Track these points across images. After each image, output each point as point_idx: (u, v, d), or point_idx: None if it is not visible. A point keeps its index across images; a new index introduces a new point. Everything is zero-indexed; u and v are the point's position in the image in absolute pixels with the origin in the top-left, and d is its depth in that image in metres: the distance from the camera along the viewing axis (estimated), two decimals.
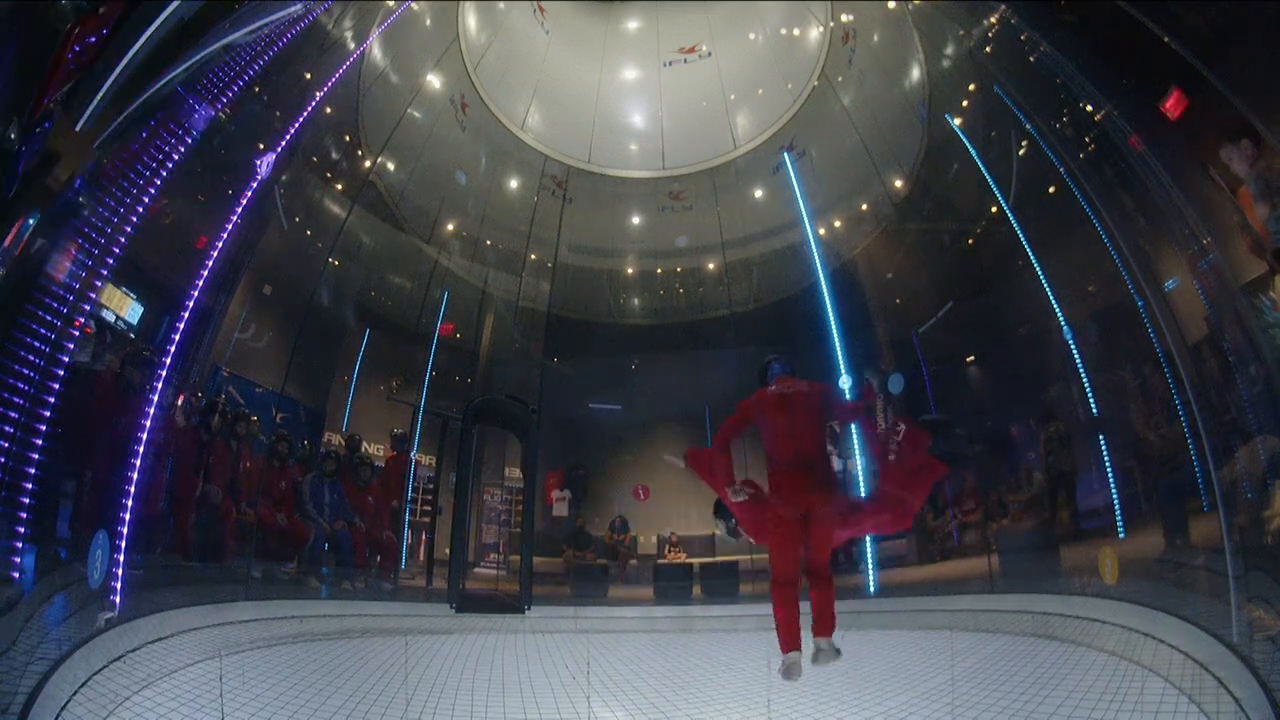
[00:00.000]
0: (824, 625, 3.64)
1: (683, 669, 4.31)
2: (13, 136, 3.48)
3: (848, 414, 4.35)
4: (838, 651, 3.57)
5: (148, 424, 5.08)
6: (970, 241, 8.42)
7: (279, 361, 7.83)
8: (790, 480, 3.69)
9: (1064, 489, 6.74)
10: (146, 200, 4.81)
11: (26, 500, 3.77)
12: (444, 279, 10.06)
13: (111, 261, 4.62)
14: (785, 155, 9.99)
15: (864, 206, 9.85)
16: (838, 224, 10.06)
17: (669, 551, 9.75)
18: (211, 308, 6.30)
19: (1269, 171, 3.82)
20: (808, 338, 9.10)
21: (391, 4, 8.35)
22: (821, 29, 9.54)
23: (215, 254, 5.92)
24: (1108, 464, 6.18)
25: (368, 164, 9.03)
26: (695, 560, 9.63)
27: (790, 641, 3.61)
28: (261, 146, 6.57)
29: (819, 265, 9.20)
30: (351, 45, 7.95)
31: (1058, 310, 6.67)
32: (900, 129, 9.11)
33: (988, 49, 7.23)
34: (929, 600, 7.20)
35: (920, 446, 3.59)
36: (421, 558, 8.96)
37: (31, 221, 3.89)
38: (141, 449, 4.96)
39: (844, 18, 9.25)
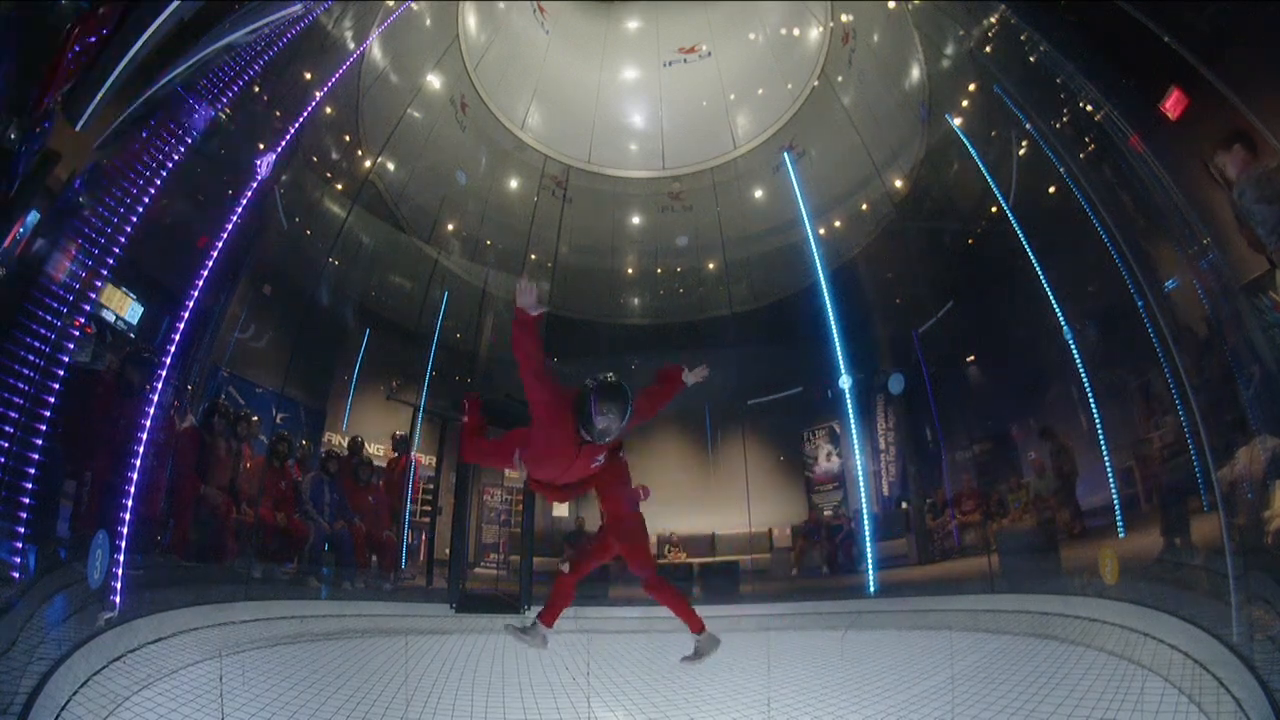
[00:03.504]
0: (693, 623, 4.19)
1: (683, 669, 4.31)
2: (13, 136, 3.48)
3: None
4: (717, 640, 4.12)
5: (148, 424, 5.07)
6: (970, 241, 8.42)
7: (279, 361, 7.83)
8: (616, 526, 4.19)
9: (1064, 489, 6.75)
10: (146, 200, 4.81)
11: (26, 500, 3.77)
12: (444, 279, 10.06)
13: (111, 261, 4.62)
14: (785, 155, 9.99)
15: (864, 206, 9.85)
16: (838, 224, 10.06)
17: (669, 551, 9.75)
18: (211, 308, 6.30)
19: (1263, 178, 3.82)
20: (808, 338, 9.11)
21: (391, 4, 8.35)
22: (821, 29, 9.54)
23: (215, 254, 5.91)
24: (1108, 464, 6.18)
25: (368, 164, 9.03)
26: (695, 560, 9.63)
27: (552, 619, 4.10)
28: (261, 146, 6.57)
29: (819, 265, 9.20)
30: (351, 45, 7.95)
31: (1058, 310, 6.67)
32: (900, 129, 9.11)
33: (988, 49, 7.23)
34: (929, 600, 7.19)
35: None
36: (422, 558, 8.96)
37: (31, 221, 3.89)
38: (141, 449, 4.96)
39: (844, 18, 9.25)
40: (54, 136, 3.84)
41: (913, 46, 8.55)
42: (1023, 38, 6.34)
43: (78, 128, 4.01)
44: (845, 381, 8.72)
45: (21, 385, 3.86)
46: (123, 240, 4.65)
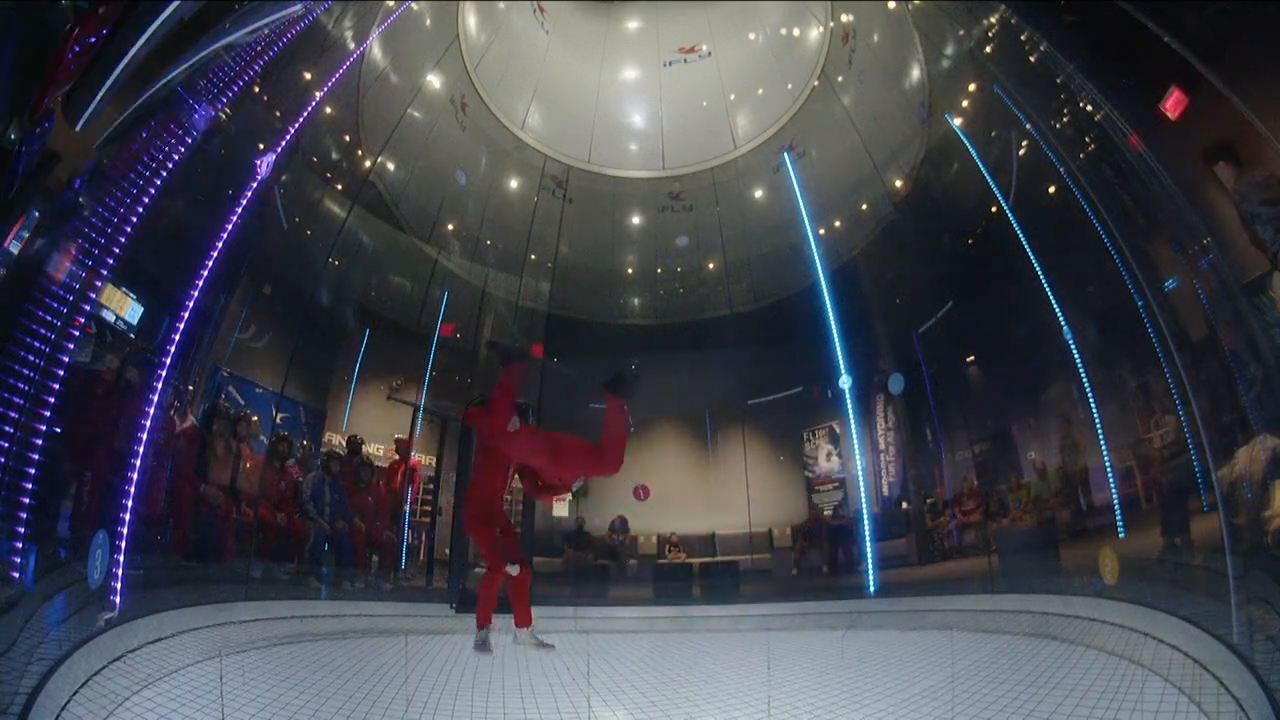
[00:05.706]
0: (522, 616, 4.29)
1: (683, 669, 4.32)
2: (13, 136, 3.48)
3: None
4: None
5: (148, 424, 5.07)
6: (970, 241, 8.43)
7: (279, 361, 7.83)
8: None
9: (1065, 489, 6.75)
10: (146, 200, 4.81)
11: (26, 500, 3.77)
12: (444, 279, 10.05)
13: (111, 261, 4.61)
14: (785, 155, 10.00)
15: (864, 206, 9.85)
16: (838, 224, 10.06)
17: (670, 552, 9.76)
18: (211, 308, 6.29)
19: (1251, 188, 3.84)
20: (808, 338, 9.11)
21: (391, 4, 8.35)
22: (821, 29, 9.54)
23: (215, 254, 5.91)
24: (1108, 464, 6.19)
25: (368, 164, 9.03)
26: (695, 560, 9.64)
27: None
28: (261, 146, 6.57)
29: (819, 265, 9.21)
30: (351, 45, 7.95)
31: (1058, 310, 6.67)
32: (900, 129, 9.11)
33: (988, 49, 7.23)
34: (929, 600, 7.20)
35: None
36: (422, 558, 8.96)
37: (31, 222, 3.89)
38: (141, 449, 4.96)
39: (844, 18, 9.25)
40: (54, 136, 3.84)
41: (913, 46, 8.55)
42: (1023, 38, 6.33)
43: (78, 128, 4.00)
44: (845, 381, 8.73)
45: (21, 385, 3.86)
46: (123, 240, 4.64)
